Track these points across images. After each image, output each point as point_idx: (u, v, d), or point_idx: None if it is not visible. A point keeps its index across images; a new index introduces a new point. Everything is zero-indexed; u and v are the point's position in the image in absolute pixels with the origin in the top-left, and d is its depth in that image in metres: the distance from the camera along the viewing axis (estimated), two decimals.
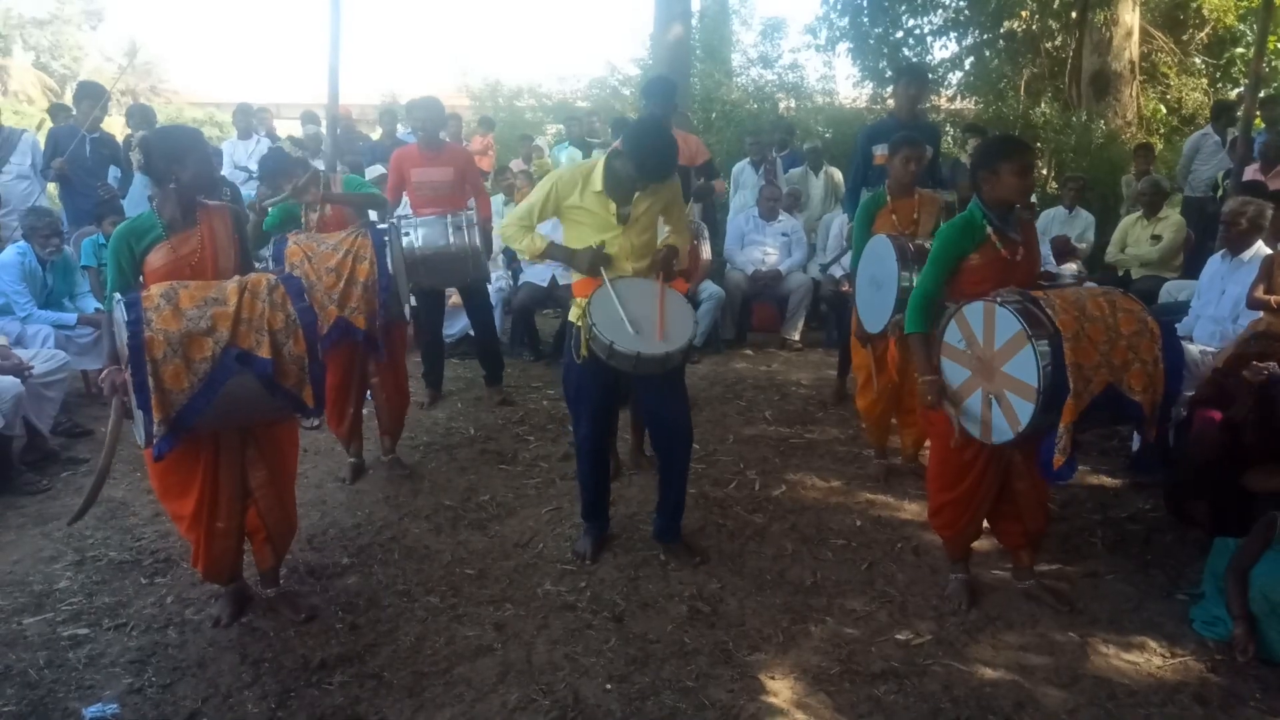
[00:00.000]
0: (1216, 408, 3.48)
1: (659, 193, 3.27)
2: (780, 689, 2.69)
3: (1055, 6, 12.39)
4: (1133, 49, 11.65)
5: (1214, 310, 4.49)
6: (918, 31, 13.81)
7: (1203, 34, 12.59)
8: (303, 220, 4.23)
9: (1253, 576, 2.89)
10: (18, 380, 4.12)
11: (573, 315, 3.29)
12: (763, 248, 7.11)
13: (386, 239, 4.00)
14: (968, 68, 14.20)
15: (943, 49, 14.16)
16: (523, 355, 6.62)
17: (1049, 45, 13.04)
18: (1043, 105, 12.01)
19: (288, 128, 11.62)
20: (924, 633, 2.99)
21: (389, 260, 3.95)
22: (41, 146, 6.94)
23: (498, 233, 4.94)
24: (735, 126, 11.58)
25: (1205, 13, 12.29)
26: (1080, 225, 7.81)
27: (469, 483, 4.25)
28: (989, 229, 2.94)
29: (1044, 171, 11.33)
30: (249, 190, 8.06)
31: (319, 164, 7.94)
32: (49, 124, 7.65)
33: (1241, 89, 11.27)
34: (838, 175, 8.21)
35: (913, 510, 3.97)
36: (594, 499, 3.52)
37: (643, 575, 3.35)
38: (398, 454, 4.43)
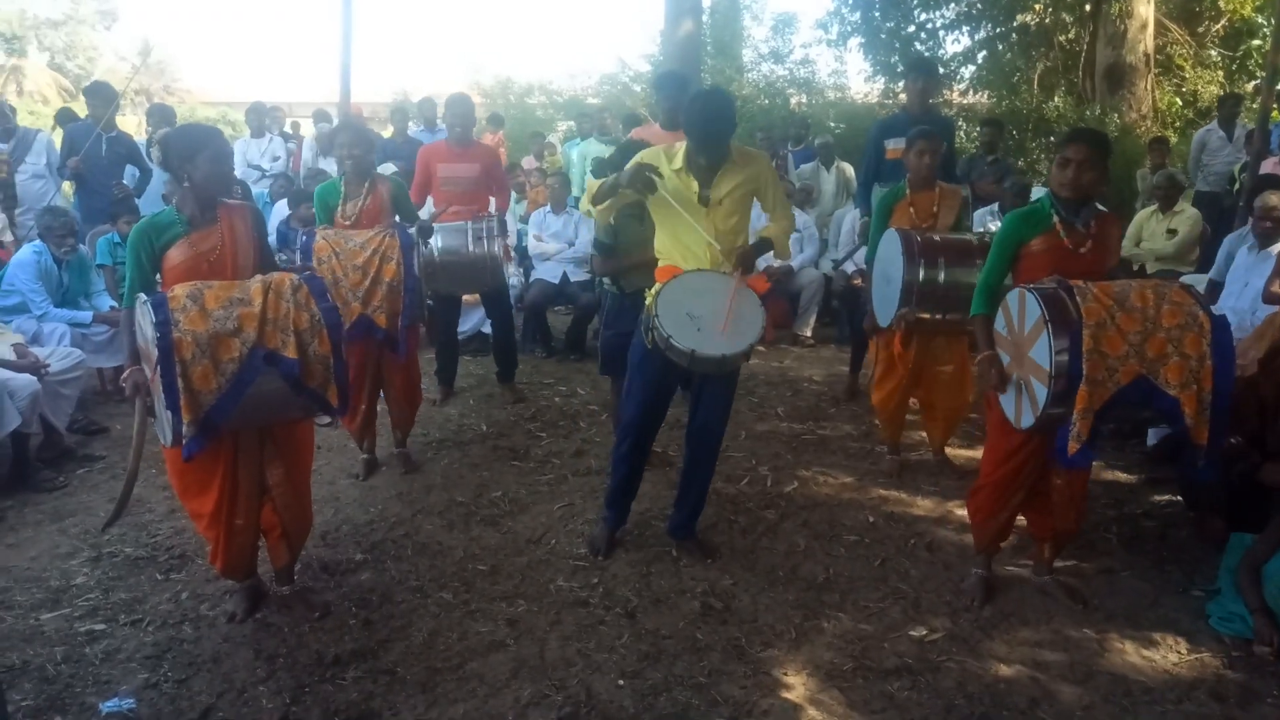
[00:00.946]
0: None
1: (744, 171, 3.14)
2: (793, 685, 2.68)
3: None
4: (1147, 41, 11.56)
5: (1235, 302, 4.47)
6: (930, 26, 13.76)
7: (1219, 26, 12.47)
8: (340, 211, 4.24)
9: (1267, 572, 2.86)
10: (34, 378, 4.15)
11: (648, 295, 3.19)
12: None
13: (415, 242, 4.02)
14: (980, 62, 14.14)
15: (955, 43, 14.12)
16: (535, 352, 6.62)
17: (1062, 38, 12.95)
18: (1056, 99, 11.93)
19: (301, 125, 11.67)
20: (938, 629, 2.98)
21: (416, 263, 3.96)
22: (57, 146, 6.98)
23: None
24: (746, 122, 11.56)
25: (1221, 4, 12.17)
26: None
27: (481, 479, 4.26)
28: (1055, 218, 2.95)
29: None
30: (261, 189, 8.10)
31: (330, 163, 8.00)
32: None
33: (1258, 82, 11.15)
34: (849, 170, 8.17)
35: (926, 506, 3.95)
36: (623, 486, 3.44)
37: (655, 571, 3.35)
38: (408, 449, 4.45)
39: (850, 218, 6.98)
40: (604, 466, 4.15)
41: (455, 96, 5.32)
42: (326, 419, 2.97)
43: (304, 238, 4.08)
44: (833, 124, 12.22)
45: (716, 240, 3.13)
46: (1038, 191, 7.76)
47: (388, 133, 9.37)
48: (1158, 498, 4.02)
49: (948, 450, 4.46)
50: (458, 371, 5.68)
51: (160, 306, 2.58)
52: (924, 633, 2.96)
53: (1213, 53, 12.56)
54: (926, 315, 3.94)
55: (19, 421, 4.00)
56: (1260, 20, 11.85)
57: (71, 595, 3.20)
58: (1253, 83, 11.69)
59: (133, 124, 16.80)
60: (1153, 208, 7.06)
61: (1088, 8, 12.12)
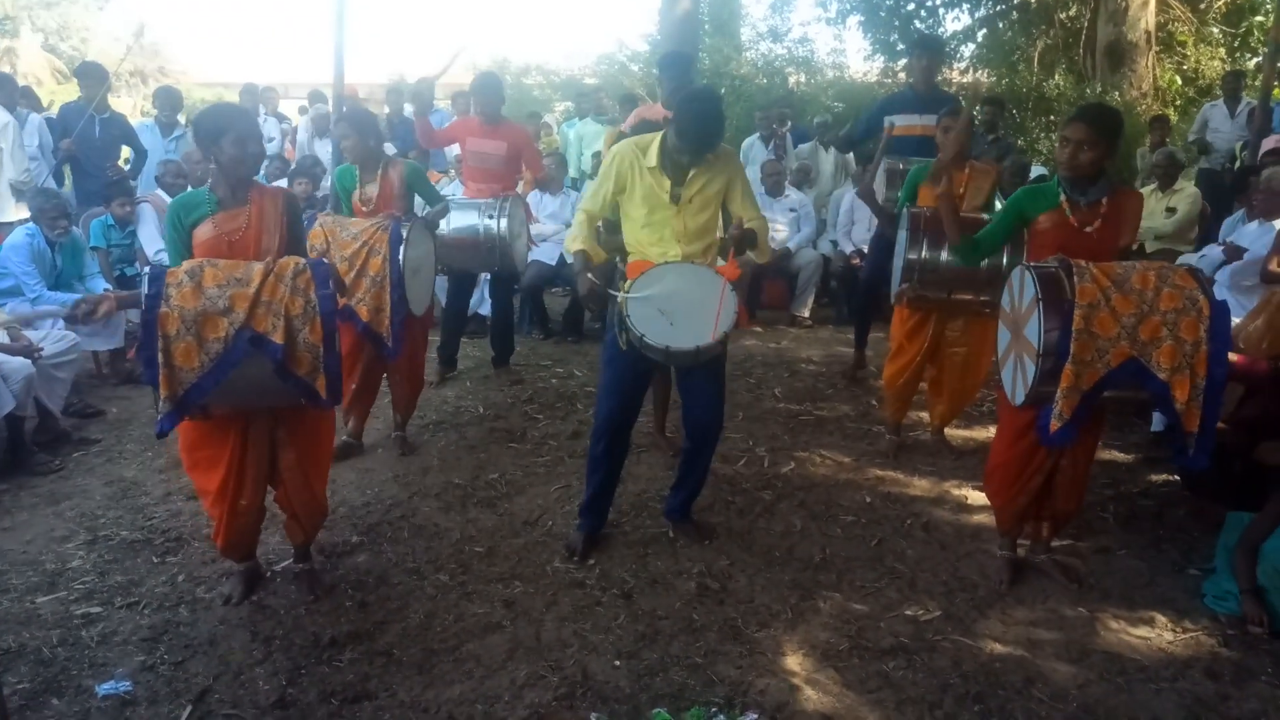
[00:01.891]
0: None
1: (716, 171, 3.13)
2: (789, 665, 2.69)
3: None
4: (1148, 18, 11.47)
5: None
6: (930, 3, 13.65)
7: (1220, 3, 12.37)
8: (358, 196, 4.22)
9: (1264, 551, 2.87)
10: (28, 361, 4.13)
11: (618, 297, 3.15)
12: (771, 223, 7.04)
13: (404, 238, 3.97)
14: (980, 40, 14.04)
15: (955, 21, 14.03)
16: (531, 334, 6.61)
17: (1063, 16, 12.84)
18: (1056, 77, 11.85)
19: (295, 107, 11.58)
20: (933, 609, 2.98)
21: (401, 257, 3.90)
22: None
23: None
24: (745, 102, 11.48)
25: None
26: None
27: (478, 461, 4.25)
28: (1061, 196, 2.95)
29: (1058, 144, 11.19)
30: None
31: (324, 145, 7.95)
32: (57, 105, 7.64)
33: (1260, 58, 11.07)
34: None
35: (922, 486, 3.95)
36: (599, 489, 3.35)
37: (651, 552, 3.35)
38: (405, 433, 4.44)
39: (849, 197, 6.95)
40: None
41: (481, 76, 5.39)
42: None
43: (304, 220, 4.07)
44: (831, 103, 12.13)
45: (683, 238, 3.13)
46: (1037, 170, 7.75)
47: (384, 113, 9.31)
48: (1155, 477, 4.03)
49: (946, 431, 4.46)
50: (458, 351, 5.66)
51: (155, 280, 2.58)
52: (919, 612, 2.96)
53: (1214, 30, 12.47)
54: (932, 294, 3.93)
55: (13, 405, 3.98)
56: None
57: (67, 578, 3.20)
58: (1254, 60, 11.60)
59: (127, 105, 16.68)
60: (1152, 186, 7.02)
61: None
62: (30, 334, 4.44)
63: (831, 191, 7.80)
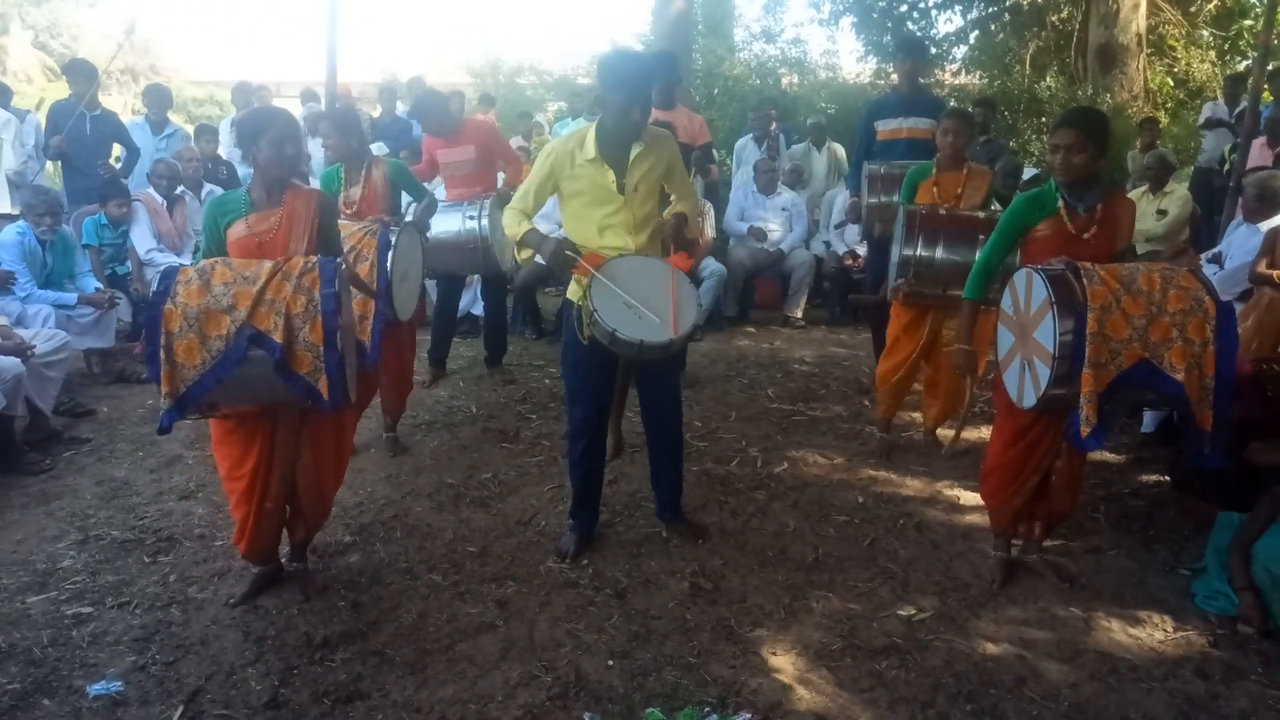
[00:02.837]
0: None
1: (655, 154, 3.10)
2: (782, 665, 2.69)
3: None
4: (1140, 21, 11.52)
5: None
6: (922, 5, 13.69)
7: (1211, 6, 12.44)
8: (343, 199, 4.20)
9: (1255, 550, 2.88)
10: (19, 360, 4.11)
11: (572, 293, 3.16)
12: (764, 223, 7.07)
13: (392, 243, 3.94)
14: (972, 42, 14.08)
15: (947, 23, 14.07)
16: (524, 333, 6.60)
17: (1055, 18, 12.89)
18: (1048, 79, 11.89)
19: (288, 106, 11.54)
20: (926, 608, 2.99)
21: (389, 264, 3.87)
22: (42, 126, 6.91)
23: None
24: (738, 102, 11.48)
25: None
26: None
27: (471, 461, 4.25)
28: (1060, 202, 2.94)
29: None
30: (246, 169, 8.03)
31: (316, 144, 7.91)
32: (48, 103, 7.60)
33: (1250, 62, 11.13)
34: (840, 151, 8.14)
35: (915, 486, 3.96)
36: (584, 492, 3.34)
37: (644, 552, 3.35)
38: (397, 434, 4.43)
39: (841, 198, 6.96)
40: None
41: (421, 98, 5.38)
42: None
43: None
44: (824, 104, 12.14)
45: (632, 230, 3.11)
46: (1029, 171, 7.77)
47: (376, 113, 9.29)
48: (1146, 478, 4.04)
49: (938, 431, 4.47)
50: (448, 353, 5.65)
51: (166, 277, 2.61)
52: (912, 612, 2.97)
53: (1205, 33, 12.54)
54: (928, 290, 3.95)
55: (4, 404, 3.96)
56: (1252, 0, 11.82)
57: (58, 578, 3.19)
58: (1244, 63, 11.68)
59: (118, 103, 16.60)
60: (1143, 188, 7.06)
61: None
62: (21, 332, 4.42)
63: (824, 192, 7.81)
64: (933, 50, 13.87)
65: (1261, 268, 4.08)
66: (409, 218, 4.38)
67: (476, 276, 5.92)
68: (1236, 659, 2.72)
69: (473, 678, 2.64)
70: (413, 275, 4.20)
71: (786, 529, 3.56)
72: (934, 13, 13.77)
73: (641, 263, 3.09)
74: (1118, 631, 2.87)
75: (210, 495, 3.80)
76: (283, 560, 3.18)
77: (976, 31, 14.01)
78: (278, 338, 2.61)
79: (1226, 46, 12.38)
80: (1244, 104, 7.99)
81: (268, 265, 2.69)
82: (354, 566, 3.28)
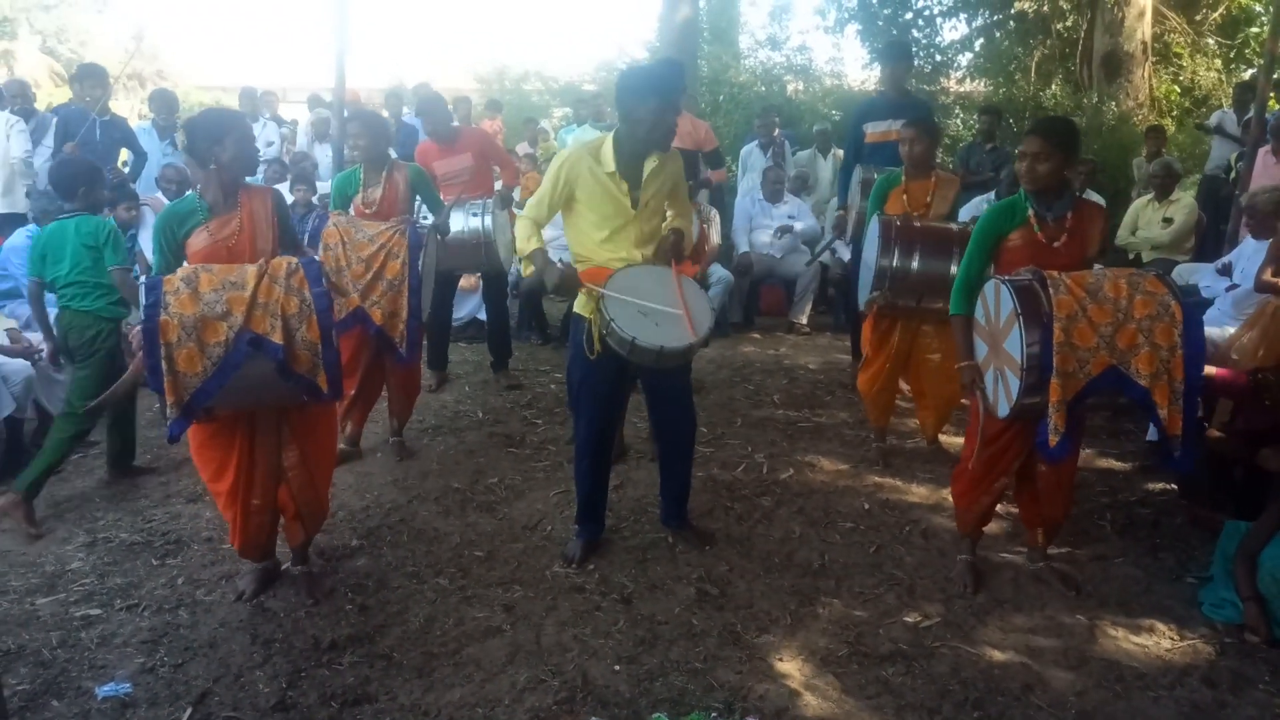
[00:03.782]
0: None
1: (665, 169, 3.11)
2: (788, 670, 2.69)
3: None
4: (1145, 29, 11.52)
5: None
6: (927, 12, 13.70)
7: (1217, 14, 12.42)
8: (360, 199, 4.22)
9: (1262, 559, 2.88)
10: (28, 363, 4.14)
11: (579, 306, 3.15)
12: (769, 232, 7.08)
13: (424, 242, 3.98)
14: (977, 49, 14.07)
15: (952, 30, 14.07)
16: (530, 339, 6.61)
17: (1060, 26, 12.89)
18: (1053, 87, 11.90)
19: (294, 111, 11.59)
20: (932, 615, 2.99)
21: (420, 263, 3.92)
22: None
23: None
24: (743, 109, 11.52)
25: None
26: None
27: (477, 465, 4.26)
28: (1029, 211, 2.95)
29: None
30: (254, 175, 8.05)
31: (324, 149, 7.94)
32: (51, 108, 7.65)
33: (1255, 70, 11.13)
34: None
35: (920, 493, 3.96)
36: (590, 500, 3.34)
37: (651, 557, 3.36)
38: (403, 438, 4.45)
39: (829, 208, 6.98)
40: None
41: (423, 99, 5.39)
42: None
43: (315, 221, 4.07)
44: (829, 111, 12.17)
45: (639, 243, 3.11)
46: None
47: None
48: (1152, 486, 4.04)
49: (942, 438, 4.47)
50: (452, 358, 5.67)
51: (153, 289, 2.60)
52: (918, 619, 2.97)
53: (1210, 41, 12.53)
54: (902, 302, 3.96)
55: (14, 407, 3.99)
56: (1258, 8, 11.82)
57: (67, 580, 3.20)
58: (1250, 71, 11.67)
59: (125, 108, 16.67)
60: (1149, 196, 7.06)
61: None
62: (30, 336, 4.44)
63: (830, 199, 7.82)
64: (938, 58, 13.91)
65: (1268, 275, 4.08)
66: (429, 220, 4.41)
67: (478, 281, 5.92)
68: (1244, 667, 2.72)
69: (480, 681, 2.64)
70: (429, 276, 4.25)
71: (792, 535, 3.56)
72: (939, 20, 13.79)
73: (649, 271, 3.09)
74: (1124, 639, 2.87)
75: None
76: (285, 565, 3.19)
77: (981, 39, 14.01)
78: (277, 339, 2.65)
79: (1232, 55, 12.36)
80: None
81: (251, 269, 2.71)
82: (361, 570, 3.29)
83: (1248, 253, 4.70)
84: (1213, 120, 8.34)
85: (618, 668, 2.70)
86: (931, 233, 3.95)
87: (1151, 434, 4.41)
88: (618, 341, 2.93)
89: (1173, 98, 12.17)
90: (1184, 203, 6.85)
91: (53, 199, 5.19)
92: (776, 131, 8.10)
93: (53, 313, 4.91)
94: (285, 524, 3.14)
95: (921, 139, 4.09)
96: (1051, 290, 2.70)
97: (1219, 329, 4.16)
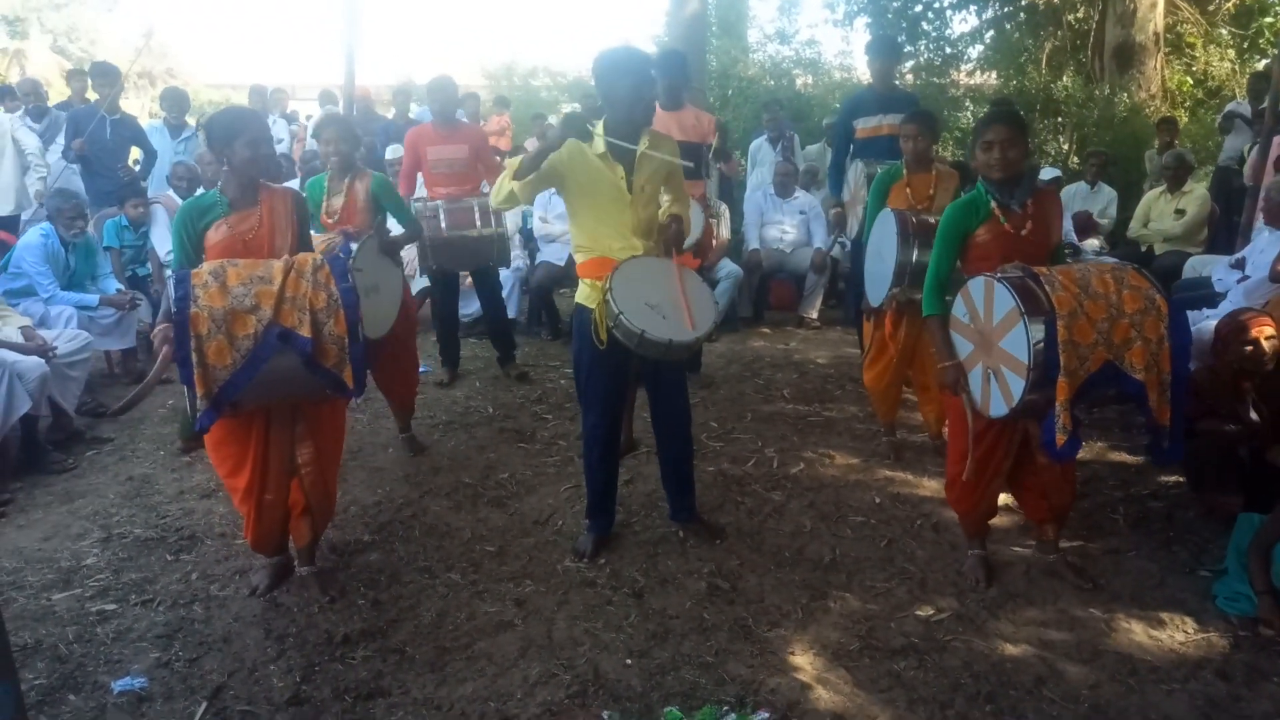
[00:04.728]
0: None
1: (661, 154, 3.09)
2: (800, 664, 2.69)
3: None
4: (1157, 20, 11.43)
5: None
6: (937, 5, 13.61)
7: (1230, 4, 12.31)
8: (324, 208, 4.17)
9: (1276, 552, 2.86)
10: (42, 361, 4.17)
11: (582, 297, 3.16)
12: (780, 226, 7.06)
13: (353, 250, 3.79)
14: (988, 41, 13.98)
15: (962, 22, 13.96)
16: (540, 334, 6.62)
17: (1071, 17, 12.80)
18: (1065, 79, 11.81)
19: (303, 109, 11.63)
20: (944, 609, 2.99)
21: (349, 270, 3.61)
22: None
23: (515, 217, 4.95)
24: (752, 103, 11.48)
25: None
26: (1102, 200, 7.71)
27: (488, 461, 4.27)
28: (992, 203, 2.92)
29: (1065, 146, 11.17)
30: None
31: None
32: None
33: (1269, 60, 11.03)
34: None
35: (932, 487, 3.95)
36: (601, 494, 3.36)
37: (662, 552, 3.36)
38: (412, 432, 4.46)
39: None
40: None
41: (435, 80, 5.28)
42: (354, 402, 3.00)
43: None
44: (839, 105, 12.10)
45: (638, 232, 3.10)
46: (1049, 173, 7.73)
47: (390, 114, 9.34)
48: (1165, 478, 4.02)
49: (946, 432, 4.44)
50: (462, 354, 5.68)
51: (182, 282, 2.64)
52: (930, 612, 2.96)
53: (1223, 31, 12.41)
54: (919, 295, 3.93)
55: (29, 405, 4.01)
56: None
57: (82, 575, 3.23)
58: (1264, 61, 11.56)
59: (136, 106, 16.75)
60: (1161, 188, 7.01)
61: None
62: (44, 333, 4.47)
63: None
64: (947, 50, 13.83)
65: None
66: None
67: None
68: (1258, 661, 2.70)
69: (492, 675, 2.65)
70: (386, 289, 4.02)
71: (803, 529, 3.56)
72: (949, 12, 13.69)
73: (654, 263, 3.10)
74: (1138, 633, 2.85)
75: (229, 495, 3.84)
76: (295, 564, 3.21)
77: (992, 31, 13.91)
78: (305, 333, 2.68)
79: (1246, 45, 12.25)
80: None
81: (277, 264, 2.75)
82: (374, 565, 3.30)
83: (1261, 245, 4.67)
84: (1228, 109, 8.26)
85: (629, 662, 2.71)
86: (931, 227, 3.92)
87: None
88: (625, 334, 2.94)
89: (1185, 89, 12.07)
90: (1196, 194, 6.80)
91: (67, 198, 5.23)
92: (821, 123, 8.08)
93: (62, 310, 4.97)
94: (293, 522, 3.15)
95: (924, 135, 4.09)
96: (1048, 287, 2.69)
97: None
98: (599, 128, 3.06)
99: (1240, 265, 4.74)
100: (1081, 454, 4.13)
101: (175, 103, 7.55)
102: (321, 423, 3.06)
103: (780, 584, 3.15)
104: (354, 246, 3.87)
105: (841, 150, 5.36)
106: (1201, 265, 5.75)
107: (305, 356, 2.69)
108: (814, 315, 7.03)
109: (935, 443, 4.41)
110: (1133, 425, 4.60)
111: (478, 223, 4.95)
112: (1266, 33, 11.80)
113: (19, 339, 4.25)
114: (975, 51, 14.15)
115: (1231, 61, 12.04)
